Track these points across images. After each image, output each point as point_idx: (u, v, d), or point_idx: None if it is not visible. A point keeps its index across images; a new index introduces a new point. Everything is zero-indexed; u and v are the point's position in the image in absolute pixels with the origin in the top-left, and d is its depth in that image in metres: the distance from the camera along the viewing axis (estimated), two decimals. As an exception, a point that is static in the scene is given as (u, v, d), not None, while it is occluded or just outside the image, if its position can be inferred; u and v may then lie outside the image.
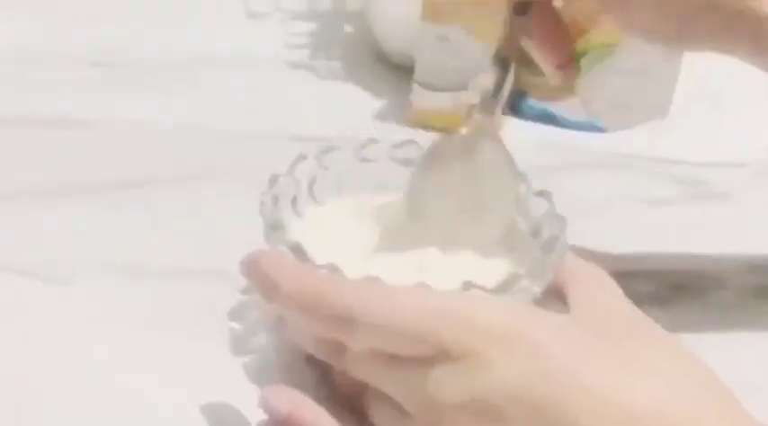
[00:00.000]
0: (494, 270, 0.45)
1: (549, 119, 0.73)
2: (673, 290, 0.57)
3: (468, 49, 0.69)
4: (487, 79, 0.49)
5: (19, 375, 0.49)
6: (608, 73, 0.70)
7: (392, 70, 0.78)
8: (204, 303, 0.54)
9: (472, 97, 0.72)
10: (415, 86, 0.71)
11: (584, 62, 0.69)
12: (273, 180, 0.47)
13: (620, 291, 0.43)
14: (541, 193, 0.48)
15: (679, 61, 0.73)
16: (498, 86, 0.49)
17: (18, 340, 0.51)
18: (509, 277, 0.42)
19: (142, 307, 0.53)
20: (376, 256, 0.47)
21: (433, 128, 0.71)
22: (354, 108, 0.74)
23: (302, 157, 0.49)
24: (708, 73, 0.64)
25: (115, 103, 0.72)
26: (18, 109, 0.70)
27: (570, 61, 0.51)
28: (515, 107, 0.74)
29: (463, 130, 0.49)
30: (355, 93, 0.76)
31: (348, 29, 0.85)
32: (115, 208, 0.61)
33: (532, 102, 0.74)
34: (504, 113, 0.71)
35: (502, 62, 0.49)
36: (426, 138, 0.69)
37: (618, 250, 0.58)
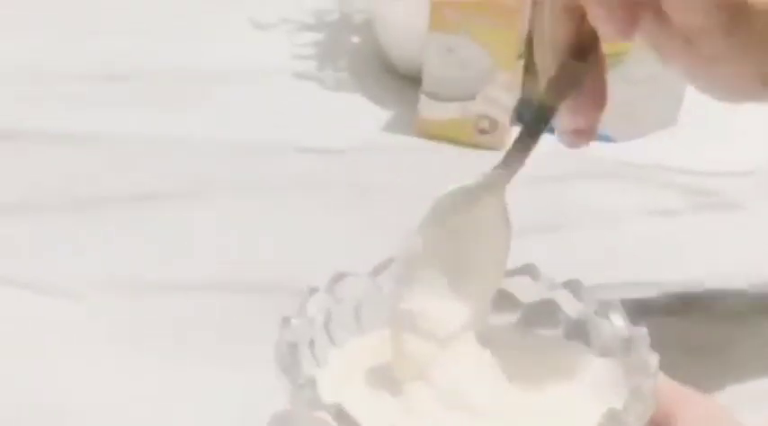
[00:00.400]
0: (579, 407, 0.39)
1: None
2: (684, 302, 0.56)
3: (476, 60, 0.69)
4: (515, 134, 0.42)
5: (23, 389, 0.48)
6: (616, 82, 0.69)
7: (399, 80, 0.78)
8: (209, 317, 0.54)
9: (480, 108, 0.72)
10: (423, 97, 0.71)
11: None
12: (285, 322, 0.40)
13: (729, 415, 0.38)
14: (609, 305, 0.41)
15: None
16: (527, 143, 0.41)
17: (23, 353, 0.51)
18: (609, 416, 0.36)
19: (148, 322, 0.53)
20: (427, 410, 0.40)
21: (443, 139, 0.71)
22: (362, 118, 0.73)
23: (313, 291, 0.42)
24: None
25: (122, 117, 0.72)
26: (26, 123, 0.70)
27: (590, 132, 0.44)
28: (523, 116, 0.74)
29: (468, 182, 0.42)
30: (363, 103, 0.76)
31: (355, 39, 0.84)
32: (123, 223, 0.61)
33: (540, 112, 0.73)
34: (512, 123, 0.72)
35: (538, 114, 0.41)
36: (435, 150, 0.70)
37: (627, 261, 0.57)
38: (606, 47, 0.46)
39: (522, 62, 0.71)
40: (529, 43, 0.71)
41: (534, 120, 0.41)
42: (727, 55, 0.40)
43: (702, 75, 0.42)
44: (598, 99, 0.43)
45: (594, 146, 0.70)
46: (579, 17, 0.41)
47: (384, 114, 0.74)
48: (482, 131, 0.70)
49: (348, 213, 0.56)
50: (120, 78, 0.77)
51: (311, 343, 0.41)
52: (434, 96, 0.71)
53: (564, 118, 0.42)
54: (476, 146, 0.70)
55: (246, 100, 0.75)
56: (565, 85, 0.42)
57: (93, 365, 0.50)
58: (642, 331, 0.39)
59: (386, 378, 0.41)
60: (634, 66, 0.70)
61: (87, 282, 0.56)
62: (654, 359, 0.38)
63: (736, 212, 0.65)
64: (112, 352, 0.51)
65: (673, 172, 0.69)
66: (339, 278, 0.43)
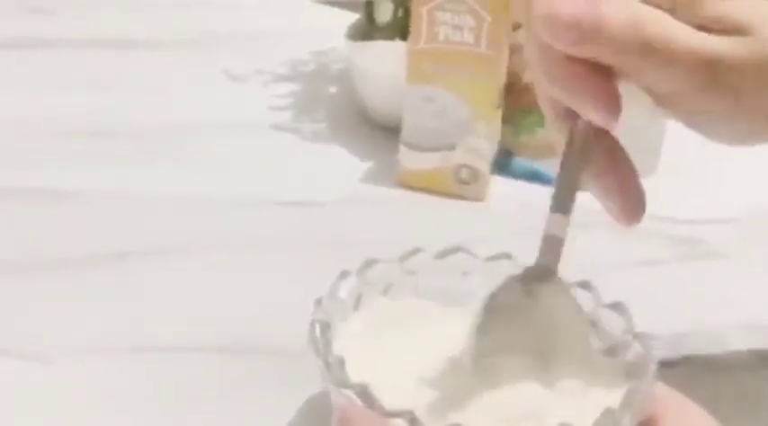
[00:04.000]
0: (582, 401, 0.40)
1: (536, 177, 0.73)
2: (669, 354, 0.56)
3: (454, 110, 0.69)
4: (551, 224, 0.44)
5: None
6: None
7: (378, 130, 0.77)
8: (185, 378, 0.52)
9: (460, 157, 0.72)
10: (403, 147, 0.70)
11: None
12: (318, 303, 0.43)
13: (713, 422, 0.40)
14: (615, 307, 0.44)
15: (665, 118, 0.72)
16: (562, 231, 0.44)
17: (2, 421, 0.49)
18: (606, 414, 0.37)
19: (121, 384, 0.52)
20: (447, 393, 0.41)
21: (423, 189, 0.70)
22: (341, 170, 0.73)
23: (344, 274, 0.45)
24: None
25: (96, 174, 0.70)
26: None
27: (640, 205, 0.44)
28: (502, 165, 0.73)
29: (516, 276, 0.44)
30: (341, 154, 0.75)
31: (332, 90, 0.84)
32: (96, 282, 0.59)
33: (520, 160, 0.73)
34: (491, 173, 0.71)
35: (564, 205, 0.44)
36: (416, 200, 0.70)
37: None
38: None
39: (500, 112, 0.71)
40: (507, 92, 0.71)
41: (559, 193, 0.44)
42: (707, 108, 0.40)
43: (698, 125, 0.42)
44: (625, 174, 0.44)
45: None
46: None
47: (363, 165, 0.74)
48: (463, 181, 0.70)
49: (329, 267, 0.54)
50: (94, 134, 0.76)
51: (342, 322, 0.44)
52: (414, 146, 0.70)
53: (604, 203, 0.44)
54: (457, 196, 0.70)
55: (223, 152, 0.74)
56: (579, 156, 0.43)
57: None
58: (647, 337, 0.41)
59: (403, 347, 0.43)
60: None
61: (58, 344, 0.54)
62: (653, 363, 0.40)
63: (721, 261, 0.65)
64: (84, 416, 0.49)
65: (655, 220, 0.68)
66: (370, 263, 0.46)
